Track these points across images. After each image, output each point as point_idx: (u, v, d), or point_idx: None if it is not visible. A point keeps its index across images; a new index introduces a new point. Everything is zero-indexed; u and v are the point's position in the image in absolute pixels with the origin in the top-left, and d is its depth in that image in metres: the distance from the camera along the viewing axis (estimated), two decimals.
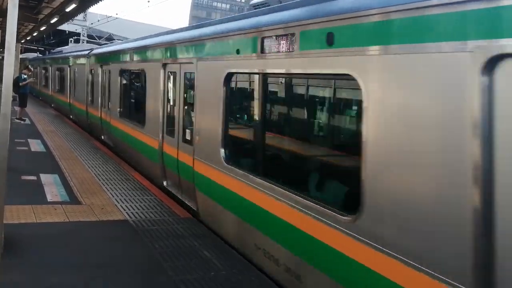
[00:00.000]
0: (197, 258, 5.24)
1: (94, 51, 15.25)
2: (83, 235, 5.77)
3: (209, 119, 6.24)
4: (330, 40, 3.85)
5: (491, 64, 2.63)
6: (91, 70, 14.73)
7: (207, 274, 4.85)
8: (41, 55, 34.11)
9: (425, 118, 3.02)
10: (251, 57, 5.15)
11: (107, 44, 17.52)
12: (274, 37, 4.61)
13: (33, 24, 23.24)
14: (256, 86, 5.17)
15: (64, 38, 38.72)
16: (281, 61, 4.58)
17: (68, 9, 17.47)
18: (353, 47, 3.62)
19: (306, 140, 4.97)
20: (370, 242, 3.39)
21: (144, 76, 9.22)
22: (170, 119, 7.94)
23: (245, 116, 6.19)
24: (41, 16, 20.48)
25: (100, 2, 16.34)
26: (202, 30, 6.99)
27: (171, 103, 7.98)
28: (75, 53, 19.10)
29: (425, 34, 3.04)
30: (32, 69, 21.31)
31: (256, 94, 5.20)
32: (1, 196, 4.37)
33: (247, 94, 5.92)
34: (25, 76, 17.44)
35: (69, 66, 18.81)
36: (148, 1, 31.92)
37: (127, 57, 10.79)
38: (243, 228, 5.38)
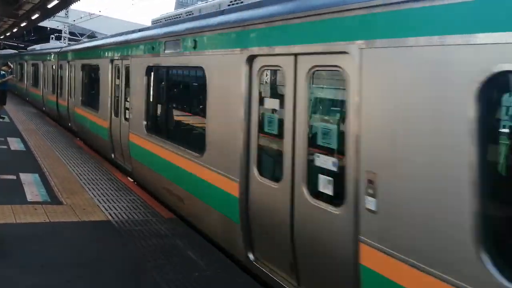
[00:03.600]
0: (181, 258, 5.19)
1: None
2: (64, 235, 5.66)
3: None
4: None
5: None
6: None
7: (191, 274, 4.81)
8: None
9: None
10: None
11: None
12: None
13: (13, 20, 22.80)
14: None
15: (45, 35, 38.01)
16: None
17: (50, 5, 17.18)
18: None
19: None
20: None
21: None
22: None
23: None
24: (21, 12, 20.10)
25: None
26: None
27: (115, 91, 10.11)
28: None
29: None
30: (12, 66, 20.81)
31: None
32: None
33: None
34: (4, 73, 17.06)
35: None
36: None
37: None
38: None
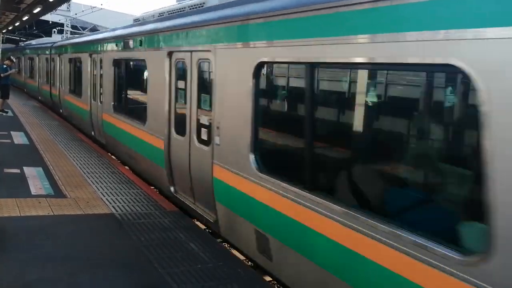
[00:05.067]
0: (184, 251, 5.24)
1: None
2: (68, 228, 5.72)
3: None
4: None
5: None
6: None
7: (194, 266, 4.86)
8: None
9: None
10: None
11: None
12: None
13: (15, 14, 22.79)
14: None
15: (47, 28, 37.96)
16: None
17: None
18: None
19: None
20: None
21: None
22: None
23: None
24: (23, 6, 20.08)
25: None
26: None
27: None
28: None
29: None
30: (15, 60, 20.77)
31: None
32: None
33: None
34: (6, 67, 17.08)
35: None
36: None
37: None
38: None
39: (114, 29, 11.33)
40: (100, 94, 11.45)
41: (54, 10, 24.16)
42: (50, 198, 6.81)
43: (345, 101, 4.26)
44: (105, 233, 5.67)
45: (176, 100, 7.00)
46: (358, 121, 3.95)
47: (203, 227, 6.61)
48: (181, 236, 5.70)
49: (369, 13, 3.45)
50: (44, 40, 26.70)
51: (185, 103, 6.62)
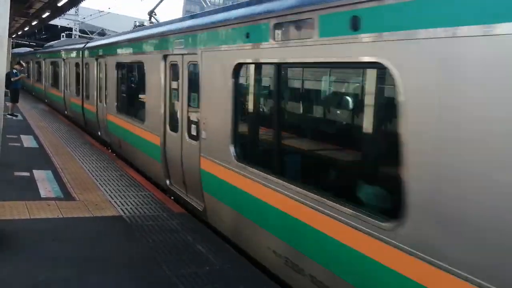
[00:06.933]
0: (191, 253, 5.26)
1: None
2: (77, 231, 5.76)
3: None
4: None
5: None
6: None
7: (201, 268, 4.88)
8: None
9: None
10: None
11: None
12: None
13: (24, 19, 23.06)
14: None
15: (56, 33, 38.35)
16: None
17: (60, 4, 17.34)
18: None
19: None
20: None
21: None
22: None
23: None
24: (32, 11, 20.31)
25: None
26: None
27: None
28: None
29: None
30: (24, 65, 20.97)
31: None
32: None
33: None
34: (16, 71, 17.28)
35: None
36: None
37: None
38: None
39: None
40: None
41: (63, 15, 24.41)
42: (59, 201, 6.87)
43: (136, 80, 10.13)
44: (114, 235, 5.71)
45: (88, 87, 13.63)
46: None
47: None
48: (189, 238, 5.72)
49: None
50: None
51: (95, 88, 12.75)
